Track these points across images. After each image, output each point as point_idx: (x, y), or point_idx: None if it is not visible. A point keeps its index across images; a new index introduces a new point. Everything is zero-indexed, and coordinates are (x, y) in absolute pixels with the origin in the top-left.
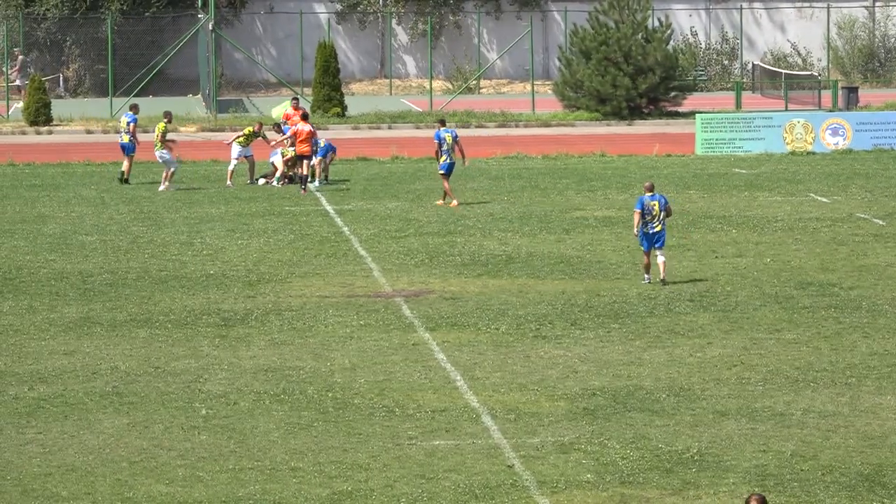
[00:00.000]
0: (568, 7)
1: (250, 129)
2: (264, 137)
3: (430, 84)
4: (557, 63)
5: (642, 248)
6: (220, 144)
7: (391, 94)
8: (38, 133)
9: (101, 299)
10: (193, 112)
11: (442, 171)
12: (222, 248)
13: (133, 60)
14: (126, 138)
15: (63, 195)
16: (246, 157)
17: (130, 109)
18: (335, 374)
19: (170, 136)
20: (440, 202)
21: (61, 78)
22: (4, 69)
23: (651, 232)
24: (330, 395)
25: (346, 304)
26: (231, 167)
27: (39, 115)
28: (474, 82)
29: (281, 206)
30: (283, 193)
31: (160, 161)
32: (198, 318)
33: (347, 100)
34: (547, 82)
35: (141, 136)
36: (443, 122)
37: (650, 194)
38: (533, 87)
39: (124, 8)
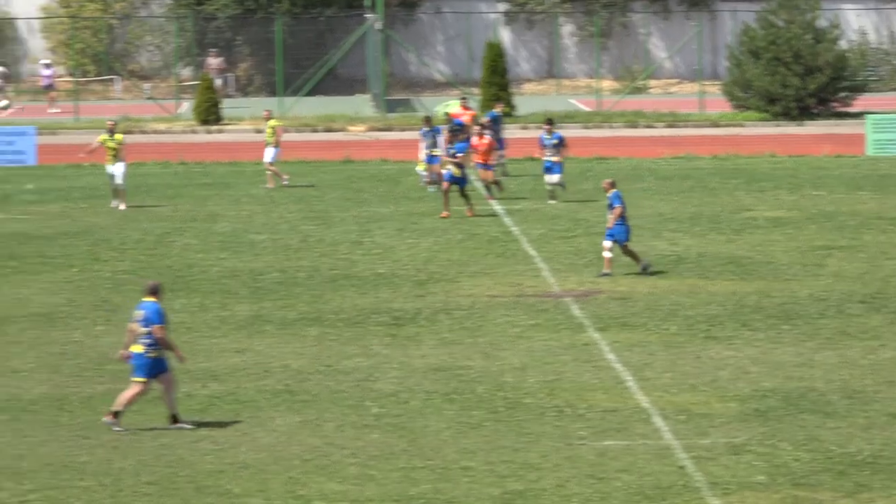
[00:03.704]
0: (737, 7)
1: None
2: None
3: (598, 84)
4: (726, 63)
5: (617, 242)
6: (385, 144)
7: (559, 93)
8: (209, 132)
9: (271, 297)
10: (362, 111)
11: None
12: (392, 248)
13: (302, 60)
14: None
15: (233, 194)
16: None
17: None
18: (505, 374)
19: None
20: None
21: (232, 77)
22: (175, 69)
23: (628, 226)
24: (500, 394)
25: (515, 304)
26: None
27: (209, 115)
28: (642, 82)
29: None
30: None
31: (120, 175)
32: (368, 316)
33: (516, 99)
34: (716, 82)
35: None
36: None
37: (616, 190)
38: (701, 87)
39: (295, 11)
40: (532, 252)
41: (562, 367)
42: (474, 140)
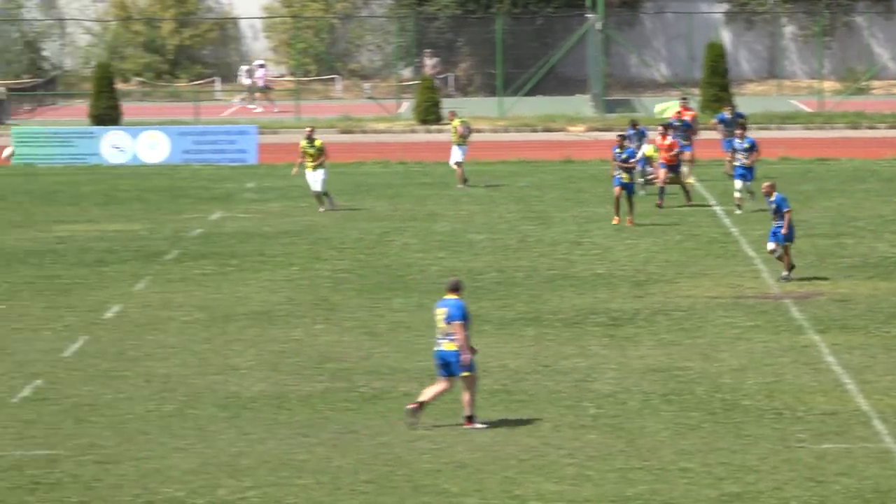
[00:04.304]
0: None
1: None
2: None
3: (820, 85)
4: None
5: (778, 242)
6: (604, 144)
7: (780, 94)
8: (428, 132)
9: (490, 297)
10: (582, 111)
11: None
12: (610, 248)
13: (522, 59)
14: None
15: (452, 193)
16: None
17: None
18: (723, 375)
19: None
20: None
21: (452, 77)
22: (395, 69)
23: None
24: (718, 395)
25: (734, 305)
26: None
27: (429, 114)
28: (865, 83)
29: (669, 205)
30: (671, 193)
31: (320, 182)
32: (586, 317)
33: (736, 100)
34: None
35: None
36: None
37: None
38: None
39: (515, 11)
40: (751, 253)
41: (781, 369)
42: (658, 140)
